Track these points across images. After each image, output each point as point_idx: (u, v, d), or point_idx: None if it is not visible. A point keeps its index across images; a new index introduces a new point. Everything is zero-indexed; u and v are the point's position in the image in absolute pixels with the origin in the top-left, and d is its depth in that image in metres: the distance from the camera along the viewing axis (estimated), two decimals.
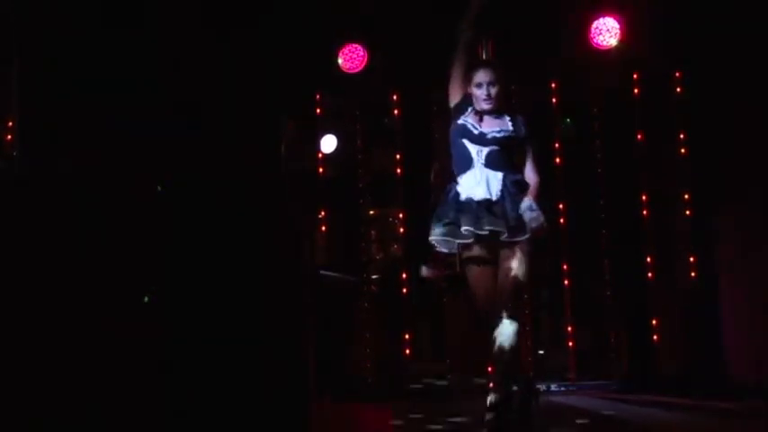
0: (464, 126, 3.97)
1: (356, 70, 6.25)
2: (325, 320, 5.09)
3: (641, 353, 5.96)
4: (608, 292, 6.08)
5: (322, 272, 5.19)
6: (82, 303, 3.14)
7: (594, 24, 5.90)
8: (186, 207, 3.43)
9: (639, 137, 6.06)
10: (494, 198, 3.85)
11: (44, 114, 5.34)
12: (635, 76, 6.07)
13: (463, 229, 3.83)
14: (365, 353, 6.15)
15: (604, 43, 5.89)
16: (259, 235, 3.60)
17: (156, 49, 5.37)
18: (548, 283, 6.39)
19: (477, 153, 3.93)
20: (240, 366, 3.40)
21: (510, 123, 3.98)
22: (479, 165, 3.91)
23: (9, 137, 5.44)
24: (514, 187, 3.88)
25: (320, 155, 6.44)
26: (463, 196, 3.89)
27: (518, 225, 3.80)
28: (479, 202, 3.85)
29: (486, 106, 3.95)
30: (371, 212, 6.57)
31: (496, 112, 3.98)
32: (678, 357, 5.89)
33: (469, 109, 4.01)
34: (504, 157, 3.93)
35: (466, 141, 3.95)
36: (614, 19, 5.88)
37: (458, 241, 3.89)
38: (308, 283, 4.37)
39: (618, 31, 5.86)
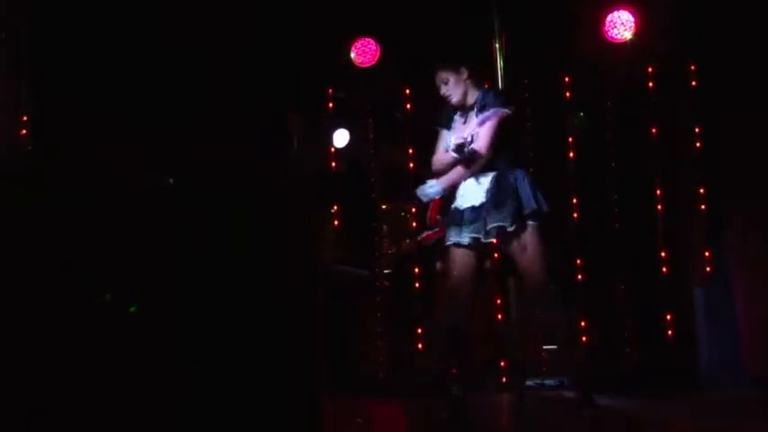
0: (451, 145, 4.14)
1: (369, 64, 6.23)
2: (337, 315, 5.08)
3: (654, 348, 5.92)
4: (621, 287, 6.03)
5: (334, 266, 5.18)
6: (94, 300, 3.13)
7: (609, 18, 5.84)
8: (196, 204, 3.42)
9: (654, 130, 6.01)
10: (477, 203, 3.99)
11: (57, 110, 5.34)
12: (649, 69, 6.01)
13: (448, 241, 4.06)
14: (377, 347, 6.13)
15: (619, 37, 5.83)
16: (270, 229, 3.59)
17: (166, 47, 5.37)
18: (560, 279, 6.34)
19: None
20: (251, 362, 3.39)
21: (477, 123, 4.03)
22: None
23: (23, 131, 5.44)
24: (503, 186, 3.95)
25: (332, 149, 6.43)
26: (455, 204, 4.10)
27: (494, 215, 3.91)
28: (463, 211, 4.04)
29: (451, 102, 4.15)
30: (383, 207, 6.55)
31: (470, 107, 4.11)
32: (690, 353, 5.84)
33: (454, 121, 4.18)
34: (494, 156, 4.02)
35: (460, 155, 4.12)
36: (629, 12, 5.82)
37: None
38: (320, 278, 4.36)
39: (632, 25, 5.81)
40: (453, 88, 4.11)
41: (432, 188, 4.16)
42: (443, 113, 4.25)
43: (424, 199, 4.28)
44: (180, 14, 5.47)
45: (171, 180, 3.46)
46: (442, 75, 4.13)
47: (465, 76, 4.11)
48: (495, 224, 3.92)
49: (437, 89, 4.19)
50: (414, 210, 6.28)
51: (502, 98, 4.08)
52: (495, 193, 3.94)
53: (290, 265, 3.54)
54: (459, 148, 4.02)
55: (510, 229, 3.91)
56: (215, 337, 3.32)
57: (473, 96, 4.13)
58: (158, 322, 3.17)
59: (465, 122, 4.15)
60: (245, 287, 3.43)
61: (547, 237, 4.05)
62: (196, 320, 3.30)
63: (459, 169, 4.11)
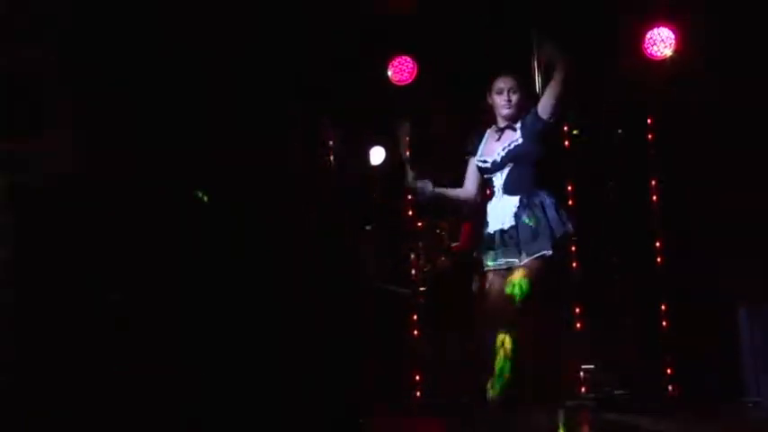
0: (480, 165, 4.07)
1: (406, 82, 6.26)
2: (379, 333, 5.06)
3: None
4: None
5: (376, 284, 5.17)
6: (129, 308, 3.15)
7: (648, 35, 5.80)
8: (243, 226, 3.44)
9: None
10: (506, 227, 3.91)
11: (78, 118, 5.33)
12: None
13: (486, 265, 3.96)
14: (415, 365, 6.11)
15: (659, 54, 5.79)
16: (314, 249, 3.59)
17: (200, 57, 5.37)
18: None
19: (498, 180, 4.01)
20: (294, 379, 3.39)
21: (519, 131, 3.97)
22: (499, 192, 3.99)
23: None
24: (530, 209, 3.89)
25: (369, 167, 6.44)
26: (487, 229, 4.00)
27: (532, 244, 3.83)
28: (493, 234, 3.95)
29: (505, 111, 3.98)
30: (419, 224, 6.54)
31: (514, 122, 4.01)
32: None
33: (483, 141, 4.09)
34: (522, 175, 3.96)
35: (486, 175, 4.05)
36: (669, 29, 5.78)
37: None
38: (364, 297, 4.36)
39: (672, 42, 5.76)
40: (517, 100, 4.03)
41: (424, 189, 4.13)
42: (470, 139, 4.18)
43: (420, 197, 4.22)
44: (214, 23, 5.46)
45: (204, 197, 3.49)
46: (512, 82, 4.02)
47: (526, 92, 4.04)
48: (537, 253, 3.85)
49: (498, 91, 4.03)
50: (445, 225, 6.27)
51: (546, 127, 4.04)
52: (527, 222, 3.88)
53: (336, 283, 3.54)
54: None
55: (548, 254, 3.86)
56: (257, 353, 3.32)
57: (520, 115, 4.04)
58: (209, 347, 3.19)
59: (499, 139, 4.07)
60: (288, 304, 3.43)
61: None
62: (239, 335, 3.30)
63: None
